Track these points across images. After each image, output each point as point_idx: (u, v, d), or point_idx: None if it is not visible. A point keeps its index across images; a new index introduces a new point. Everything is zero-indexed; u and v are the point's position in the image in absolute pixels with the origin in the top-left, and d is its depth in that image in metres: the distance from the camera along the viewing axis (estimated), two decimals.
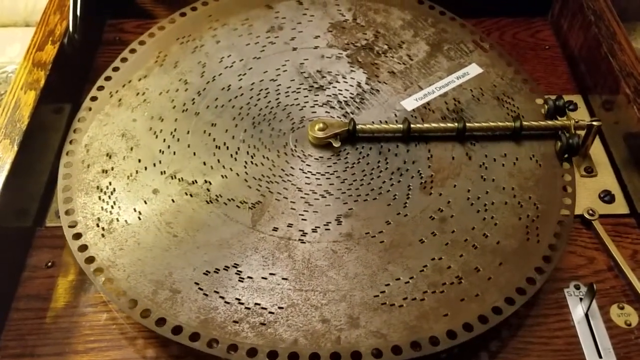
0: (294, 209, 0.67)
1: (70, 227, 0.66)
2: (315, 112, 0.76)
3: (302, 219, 0.67)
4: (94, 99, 0.78)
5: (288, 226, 0.66)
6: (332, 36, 0.83)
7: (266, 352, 0.57)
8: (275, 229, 0.66)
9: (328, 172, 0.71)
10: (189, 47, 0.82)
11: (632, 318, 0.64)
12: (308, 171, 0.71)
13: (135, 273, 0.63)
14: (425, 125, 0.74)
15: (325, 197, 0.69)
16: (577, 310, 0.65)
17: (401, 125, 0.73)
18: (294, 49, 0.82)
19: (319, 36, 0.83)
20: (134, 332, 0.63)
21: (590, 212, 0.72)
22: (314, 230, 0.66)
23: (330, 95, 0.78)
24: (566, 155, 0.72)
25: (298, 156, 0.72)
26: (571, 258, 0.69)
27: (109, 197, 0.69)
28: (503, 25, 0.96)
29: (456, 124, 0.73)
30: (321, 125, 0.73)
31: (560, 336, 0.63)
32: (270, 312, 0.60)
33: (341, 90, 0.78)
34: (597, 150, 0.78)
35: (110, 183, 0.70)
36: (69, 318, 0.64)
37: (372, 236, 0.65)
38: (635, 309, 0.65)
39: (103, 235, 0.66)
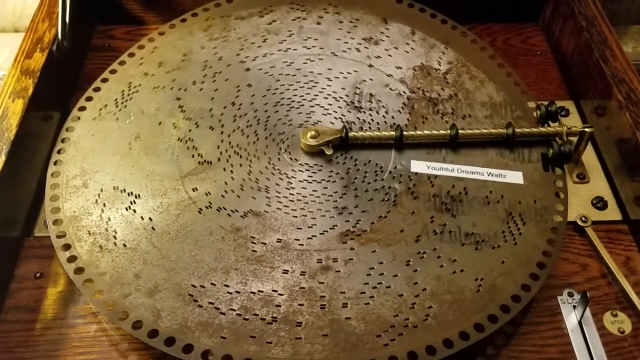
0: (226, 183, 0.70)
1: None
2: (333, 123, 0.76)
3: (221, 195, 0.69)
4: (194, 14, 0.87)
5: (206, 194, 0.69)
6: (412, 75, 0.80)
7: (73, 268, 0.63)
8: (194, 190, 0.70)
9: (286, 174, 0.72)
10: (293, 14, 0.86)
11: (625, 325, 0.64)
12: (272, 164, 0.72)
13: (75, 160, 0.72)
14: (418, 132, 0.72)
15: (259, 190, 0.70)
16: (571, 318, 0.65)
17: (394, 133, 0.72)
18: (370, 65, 0.81)
19: (401, 68, 0.81)
20: (125, 343, 0.63)
21: (583, 218, 0.72)
22: (218, 210, 0.68)
23: (359, 119, 0.76)
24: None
25: (279, 147, 0.74)
26: (564, 265, 0.69)
27: (126, 96, 0.78)
28: (494, 30, 0.95)
29: (449, 131, 0.72)
30: (313, 132, 0.73)
31: (553, 344, 0.63)
32: (114, 243, 0.65)
33: (372, 120, 0.76)
34: (589, 156, 0.78)
35: (139, 85, 0.79)
36: (58, 329, 0.63)
37: (252, 242, 0.66)
38: (628, 316, 0.65)
39: (87, 120, 0.75)
